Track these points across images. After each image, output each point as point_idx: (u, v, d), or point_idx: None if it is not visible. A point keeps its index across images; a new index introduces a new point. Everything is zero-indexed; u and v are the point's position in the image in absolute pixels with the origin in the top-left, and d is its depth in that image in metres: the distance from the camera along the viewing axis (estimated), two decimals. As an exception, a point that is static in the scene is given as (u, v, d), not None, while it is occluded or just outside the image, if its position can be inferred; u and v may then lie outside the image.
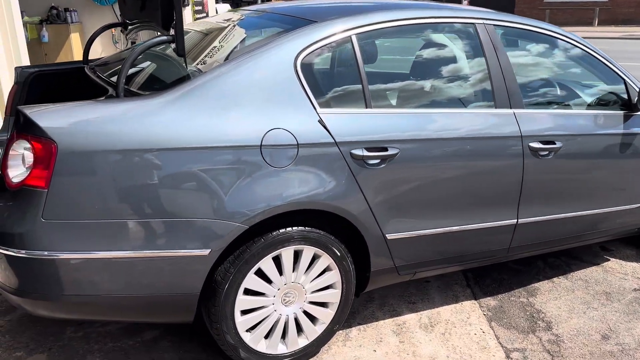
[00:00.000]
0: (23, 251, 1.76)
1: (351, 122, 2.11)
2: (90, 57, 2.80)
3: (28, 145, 1.76)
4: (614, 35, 17.68)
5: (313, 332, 2.22)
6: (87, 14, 7.20)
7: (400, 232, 2.25)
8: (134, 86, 2.11)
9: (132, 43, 6.06)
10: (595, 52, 2.79)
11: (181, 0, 1.98)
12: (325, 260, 2.14)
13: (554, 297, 2.83)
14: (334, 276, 2.19)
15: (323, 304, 2.23)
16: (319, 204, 2.03)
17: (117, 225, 1.80)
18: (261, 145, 1.93)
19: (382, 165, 2.13)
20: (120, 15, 2.87)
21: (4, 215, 1.81)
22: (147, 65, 2.37)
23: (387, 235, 2.22)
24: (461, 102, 2.44)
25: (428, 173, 2.25)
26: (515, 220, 2.53)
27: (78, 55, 6.75)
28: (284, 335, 2.18)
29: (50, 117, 1.76)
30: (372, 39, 2.42)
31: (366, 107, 2.16)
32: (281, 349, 2.18)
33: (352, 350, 2.34)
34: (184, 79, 2.00)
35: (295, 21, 2.27)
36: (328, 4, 2.70)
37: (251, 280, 2.02)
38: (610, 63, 2.83)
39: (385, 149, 2.13)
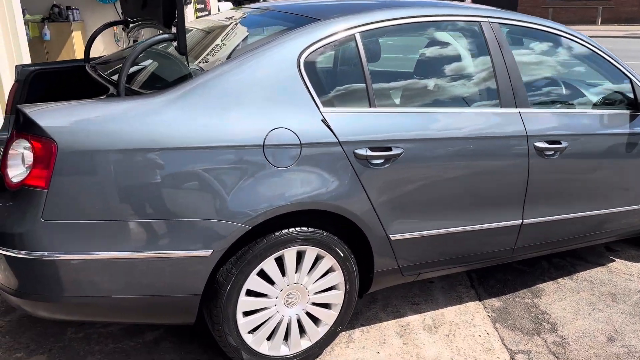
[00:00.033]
0: (23, 252, 1.74)
1: (355, 122, 2.08)
2: (92, 56, 2.78)
3: (28, 145, 1.74)
4: (617, 34, 17.62)
5: (316, 333, 2.20)
6: (89, 12, 7.19)
7: (404, 232, 2.22)
8: (135, 85, 2.09)
9: (134, 41, 6.05)
10: (601, 50, 2.76)
11: (183, -3, 1.96)
12: (328, 261, 2.12)
13: (559, 298, 2.80)
14: (337, 277, 2.17)
15: (326, 305, 2.21)
16: (322, 204, 2.01)
17: (117, 226, 1.78)
18: (264, 144, 1.90)
19: (386, 165, 2.11)
20: (121, 13, 2.85)
21: (3, 216, 1.78)
22: (149, 64, 2.35)
23: (390, 235, 2.19)
24: (466, 101, 2.41)
25: (433, 173, 2.22)
26: (521, 220, 2.50)
27: (80, 54, 6.73)
28: (286, 337, 2.15)
29: (50, 116, 1.74)
30: (376, 37, 2.40)
31: (370, 107, 2.13)
32: (284, 350, 2.16)
33: (355, 352, 2.32)
34: (185, 77, 1.98)
35: (298, 19, 2.24)
36: (331, 2, 2.67)
37: (253, 282, 2.00)
38: (616, 62, 2.80)
39: (389, 149, 2.10)
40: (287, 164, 1.94)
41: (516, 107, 2.42)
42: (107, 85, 2.15)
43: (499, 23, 2.49)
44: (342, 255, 2.12)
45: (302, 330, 2.18)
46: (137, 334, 2.38)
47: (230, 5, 9.62)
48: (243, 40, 2.30)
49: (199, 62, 2.16)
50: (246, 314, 2.04)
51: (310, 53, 2.06)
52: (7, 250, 1.75)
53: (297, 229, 2.01)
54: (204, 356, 2.25)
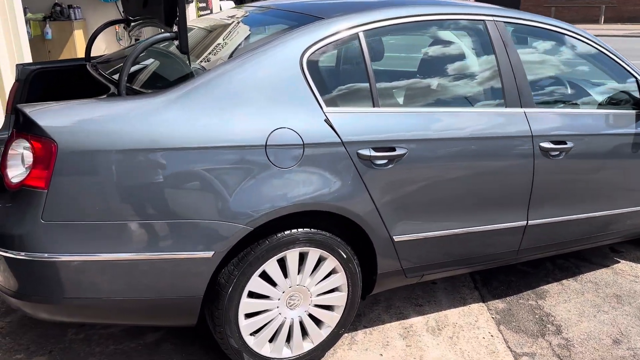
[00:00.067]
0: (23, 253, 1.72)
1: (358, 122, 2.06)
2: (93, 54, 2.76)
3: (27, 145, 1.72)
4: (620, 33, 17.56)
5: (318, 335, 2.18)
6: (90, 11, 7.17)
7: (408, 233, 2.20)
8: (136, 84, 2.07)
9: (136, 40, 6.03)
10: (606, 49, 2.74)
11: (184, -4, 1.94)
12: (331, 262, 2.10)
13: (564, 299, 2.78)
14: (340, 279, 2.14)
15: (329, 307, 2.18)
16: (324, 205, 1.99)
17: (118, 227, 1.76)
18: (266, 145, 1.88)
19: (390, 166, 2.08)
20: (123, 11, 2.83)
21: (3, 216, 1.77)
22: (150, 63, 2.33)
23: (394, 237, 2.17)
24: (471, 101, 2.38)
25: (437, 173, 2.20)
26: (525, 221, 2.48)
27: (81, 52, 6.71)
28: (288, 339, 2.13)
29: (50, 116, 1.72)
30: (380, 36, 2.37)
31: (374, 106, 2.11)
32: (286, 353, 2.14)
33: (358, 354, 2.30)
34: (187, 76, 1.96)
35: (301, 18, 2.22)
36: (334, 0, 2.65)
37: (255, 283, 1.98)
38: (622, 61, 2.78)
39: (393, 149, 2.08)
40: (289, 165, 1.92)
41: (521, 107, 2.40)
42: (108, 84, 2.13)
43: (504, 22, 2.47)
44: (345, 256, 2.10)
45: (304, 332, 2.16)
46: (138, 335, 2.36)
47: (232, 3, 9.59)
48: (245, 39, 2.28)
49: (201, 62, 2.14)
50: (248, 315, 2.02)
51: (313, 52, 2.04)
52: (6, 252, 1.73)
53: (299, 230, 1.99)
54: (205, 358, 2.23)
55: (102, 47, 6.94)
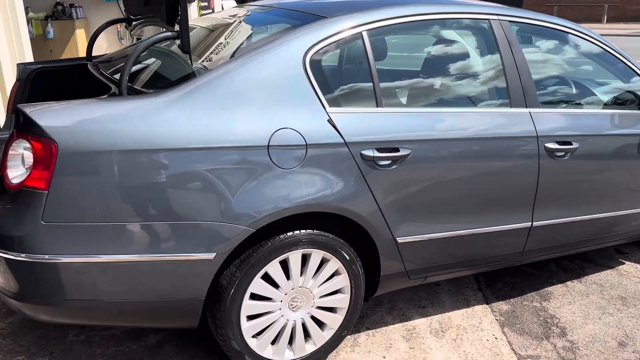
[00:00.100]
0: (23, 255, 1.70)
1: (361, 122, 2.04)
2: (95, 54, 2.75)
3: (28, 145, 1.70)
4: (623, 32, 17.50)
5: (321, 337, 2.16)
6: (92, 10, 7.17)
7: (412, 235, 2.18)
8: (137, 84, 2.05)
9: (138, 39, 6.02)
10: (612, 48, 2.71)
11: (186, -5, 1.92)
12: (334, 264, 2.08)
13: (568, 301, 2.75)
14: (343, 280, 2.12)
15: (331, 309, 2.16)
16: (327, 206, 1.97)
17: (119, 228, 1.74)
18: (268, 145, 1.86)
19: (394, 167, 2.06)
20: (124, 10, 2.81)
21: (3, 218, 1.75)
22: (152, 62, 2.31)
23: (397, 238, 2.15)
24: (476, 101, 2.36)
25: (441, 174, 2.18)
26: (530, 223, 2.45)
27: (83, 52, 6.68)
28: (291, 341, 2.11)
29: (51, 116, 1.70)
30: (384, 35, 2.35)
31: (377, 106, 2.09)
32: (288, 355, 2.12)
33: (361, 357, 2.28)
34: (189, 76, 1.94)
35: (303, 17, 2.20)
36: (337, -1, 2.63)
37: (258, 285, 1.96)
38: (628, 60, 2.75)
39: (397, 150, 2.06)
40: (292, 165, 1.90)
41: (526, 107, 2.37)
42: (109, 84, 2.11)
43: (509, 21, 2.44)
44: (348, 258, 2.08)
45: (306, 335, 2.14)
46: (139, 337, 2.34)
47: (233, 2, 9.57)
48: (247, 38, 2.26)
49: (203, 61, 2.12)
50: (250, 317, 2.00)
51: (316, 52, 2.02)
52: (7, 253, 1.72)
53: (302, 231, 1.97)
54: (207, 360, 2.22)
55: (104, 46, 6.93)
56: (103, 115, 1.74)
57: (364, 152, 2.00)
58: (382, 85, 2.13)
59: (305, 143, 1.91)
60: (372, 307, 2.63)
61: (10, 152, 1.74)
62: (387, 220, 2.10)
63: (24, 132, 1.71)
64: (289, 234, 1.95)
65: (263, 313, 2.02)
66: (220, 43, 2.32)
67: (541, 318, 2.61)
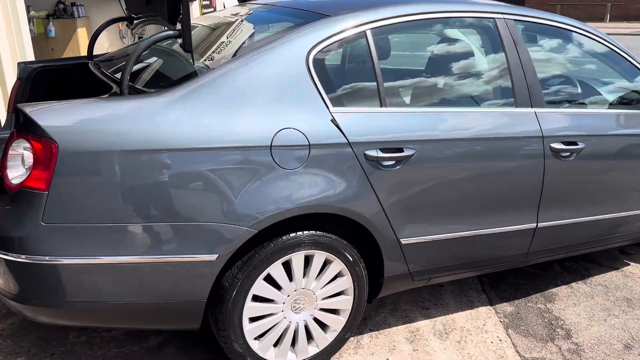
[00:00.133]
0: (23, 256, 1.69)
1: (365, 122, 2.02)
2: (97, 53, 2.73)
3: (28, 145, 1.68)
4: (627, 31, 17.43)
5: (324, 340, 2.14)
6: (93, 9, 7.15)
7: (416, 236, 2.16)
8: (139, 83, 2.03)
9: (139, 38, 5.99)
10: (618, 48, 2.68)
11: (188, -7, 1.90)
12: (337, 265, 2.06)
13: (573, 303, 2.73)
14: (346, 282, 2.10)
15: (334, 311, 2.14)
16: (330, 207, 1.95)
17: (120, 230, 1.72)
18: (271, 145, 1.84)
19: (397, 167, 2.04)
20: (125, 9, 2.79)
21: (3, 218, 1.73)
22: (153, 61, 2.29)
23: (401, 239, 2.13)
24: (480, 101, 2.33)
25: (445, 175, 2.15)
26: (535, 224, 2.43)
27: (85, 50, 6.66)
28: (293, 343, 2.09)
29: (51, 115, 1.68)
30: (388, 34, 2.32)
31: (381, 106, 2.07)
32: (291, 357, 2.10)
33: (364, 359, 2.25)
34: (191, 75, 1.92)
35: (306, 15, 2.17)
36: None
37: (260, 287, 1.94)
38: (634, 59, 2.72)
39: (401, 150, 2.03)
40: (294, 166, 1.88)
41: (532, 107, 2.35)
42: (110, 83, 2.09)
43: (514, 19, 2.42)
44: (351, 259, 2.06)
45: (309, 337, 2.12)
46: (140, 338, 2.32)
47: (235, 1, 9.55)
48: (250, 37, 2.24)
49: (205, 60, 2.10)
50: (252, 319, 1.98)
51: (320, 50, 1.99)
52: (6, 254, 1.70)
53: (305, 232, 1.95)
54: (208, 362, 2.20)
55: (105, 45, 6.91)
56: (104, 115, 1.72)
57: (367, 152, 1.98)
58: (386, 84, 2.10)
59: (308, 143, 1.89)
60: (375, 308, 2.61)
61: (10, 152, 1.72)
62: (391, 221, 2.07)
63: (24, 132, 1.69)
64: (292, 235, 1.93)
65: (265, 315, 2.00)
66: (223, 42, 2.29)
67: (546, 320, 2.59)
